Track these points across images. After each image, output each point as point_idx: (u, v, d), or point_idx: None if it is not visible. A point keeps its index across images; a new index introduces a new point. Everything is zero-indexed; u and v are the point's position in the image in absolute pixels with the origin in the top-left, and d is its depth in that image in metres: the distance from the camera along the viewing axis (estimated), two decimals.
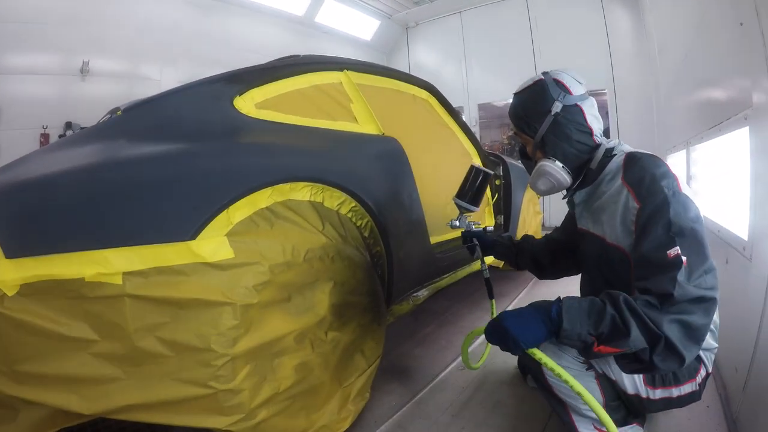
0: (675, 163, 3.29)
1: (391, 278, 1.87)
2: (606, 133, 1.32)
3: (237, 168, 1.36)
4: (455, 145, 2.80)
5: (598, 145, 1.32)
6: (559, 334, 1.02)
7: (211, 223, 1.23)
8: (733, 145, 1.79)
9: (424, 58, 8.25)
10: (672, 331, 0.98)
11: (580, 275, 1.59)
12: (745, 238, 1.53)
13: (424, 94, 2.64)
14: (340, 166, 1.69)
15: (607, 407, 1.29)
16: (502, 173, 3.20)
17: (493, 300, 2.00)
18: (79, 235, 1.10)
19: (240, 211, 1.32)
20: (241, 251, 1.25)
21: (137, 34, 4.89)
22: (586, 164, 1.33)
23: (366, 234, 1.81)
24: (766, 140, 1.36)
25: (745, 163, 1.55)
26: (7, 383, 1.05)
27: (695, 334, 1.00)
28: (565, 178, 1.31)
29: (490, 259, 2.71)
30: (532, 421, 1.65)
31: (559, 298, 1.07)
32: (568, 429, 1.40)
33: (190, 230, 1.18)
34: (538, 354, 1.06)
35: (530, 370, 1.55)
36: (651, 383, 1.27)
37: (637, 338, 0.97)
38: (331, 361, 1.55)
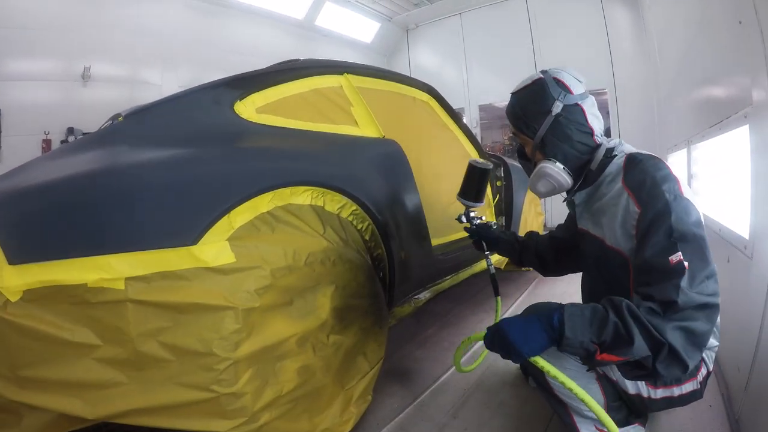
0: (676, 162, 3.29)
1: (393, 281, 1.87)
2: (607, 132, 1.31)
3: (238, 172, 1.37)
4: (456, 147, 2.80)
5: (599, 145, 1.30)
6: (561, 342, 1.01)
7: (213, 227, 1.23)
8: (734, 144, 1.79)
9: (424, 60, 8.26)
10: (675, 339, 0.97)
11: (580, 274, 1.59)
12: (746, 236, 1.52)
13: (424, 96, 2.64)
14: (341, 169, 1.70)
15: (608, 408, 1.29)
16: (503, 174, 3.20)
17: (499, 297, 2.00)
18: (81, 241, 1.11)
19: (241, 215, 1.32)
20: (243, 255, 1.26)
21: (138, 39, 4.91)
22: (587, 165, 1.31)
23: (367, 237, 1.81)
24: (766, 138, 1.36)
25: (745, 161, 1.55)
26: (10, 388, 1.06)
27: (698, 341, 1.00)
28: (566, 179, 1.29)
29: (495, 258, 2.72)
30: (534, 422, 1.65)
31: (560, 304, 1.06)
32: (569, 430, 1.39)
33: (191, 235, 1.19)
34: (540, 362, 1.05)
35: (531, 371, 1.55)
36: (652, 383, 1.26)
37: (640, 346, 0.97)
38: (333, 364, 1.56)
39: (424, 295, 2.32)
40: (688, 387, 1.26)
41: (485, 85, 7.44)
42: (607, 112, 6.15)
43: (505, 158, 3.35)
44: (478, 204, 1.84)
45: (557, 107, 1.26)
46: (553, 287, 3.28)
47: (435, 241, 2.22)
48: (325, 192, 1.60)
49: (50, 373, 1.07)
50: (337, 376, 1.58)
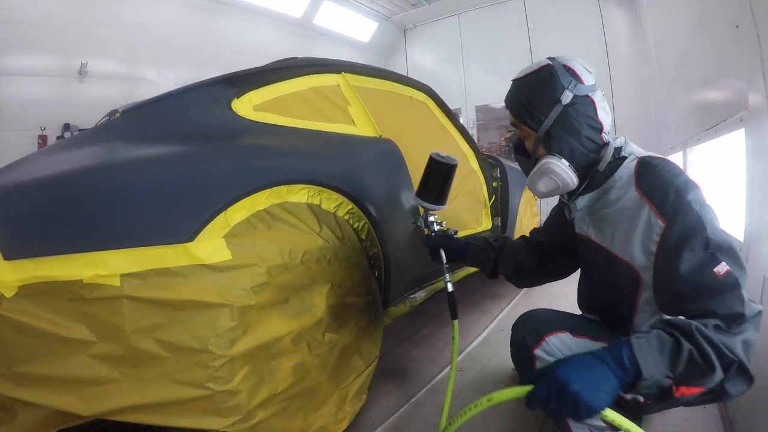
0: None
1: (388, 280, 1.88)
2: None
3: (235, 170, 1.37)
4: (453, 147, 2.80)
5: (606, 144, 1.17)
6: (636, 385, 0.86)
7: (209, 225, 1.23)
8: (730, 147, 1.80)
9: (422, 60, 8.25)
10: (742, 354, 0.89)
11: (561, 280, 1.56)
12: (741, 239, 1.53)
13: (421, 96, 2.65)
14: (337, 168, 1.70)
15: None
16: (499, 175, 3.21)
17: (456, 321, 1.63)
18: (77, 236, 1.11)
19: (238, 213, 1.32)
20: (239, 253, 1.26)
21: (135, 36, 4.89)
22: (593, 165, 1.18)
23: (363, 236, 1.82)
24: (762, 142, 1.37)
25: (741, 164, 1.56)
26: (5, 385, 1.06)
27: (750, 351, 0.91)
28: (572, 178, 1.15)
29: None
30: (528, 423, 1.65)
31: (623, 338, 0.90)
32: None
33: (188, 232, 1.19)
34: (610, 416, 0.82)
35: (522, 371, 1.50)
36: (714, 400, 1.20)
37: (719, 371, 0.86)
38: (329, 362, 1.56)
39: (420, 295, 2.32)
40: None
41: (482, 86, 7.44)
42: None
43: (502, 159, 3.35)
44: (440, 207, 1.63)
45: (567, 97, 1.13)
46: (549, 287, 3.26)
47: None
48: (322, 190, 1.61)
49: (45, 369, 1.06)
50: (332, 375, 1.58)
